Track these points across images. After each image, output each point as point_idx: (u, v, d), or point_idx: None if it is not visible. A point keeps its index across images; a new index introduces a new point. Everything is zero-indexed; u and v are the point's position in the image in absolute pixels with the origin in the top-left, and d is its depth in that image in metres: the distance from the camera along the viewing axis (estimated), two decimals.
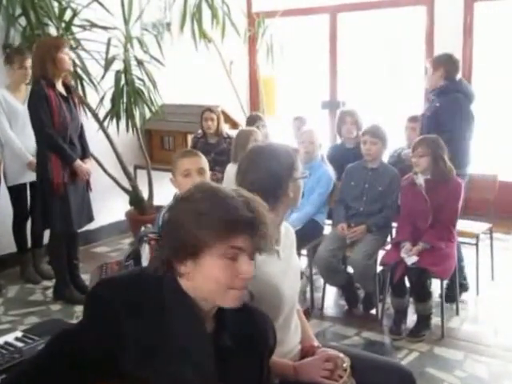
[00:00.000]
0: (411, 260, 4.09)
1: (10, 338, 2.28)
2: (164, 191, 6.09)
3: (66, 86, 4.68)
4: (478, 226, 4.99)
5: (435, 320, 4.29)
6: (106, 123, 5.68)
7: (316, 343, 2.39)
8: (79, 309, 4.64)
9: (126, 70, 5.59)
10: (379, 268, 4.45)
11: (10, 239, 5.30)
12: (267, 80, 8.11)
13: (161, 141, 6.86)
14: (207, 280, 1.59)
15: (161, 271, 1.63)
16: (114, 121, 5.65)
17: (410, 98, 7.68)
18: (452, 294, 4.49)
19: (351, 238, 4.50)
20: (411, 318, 4.33)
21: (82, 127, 4.81)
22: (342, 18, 7.91)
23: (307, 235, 4.47)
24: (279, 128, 7.29)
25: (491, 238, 5.14)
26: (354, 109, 5.54)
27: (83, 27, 5.48)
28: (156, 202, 6.16)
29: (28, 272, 5.33)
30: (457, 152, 4.48)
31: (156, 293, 1.61)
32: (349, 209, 4.67)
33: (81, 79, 5.45)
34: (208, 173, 3.44)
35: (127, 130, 5.70)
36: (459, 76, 4.85)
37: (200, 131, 6.07)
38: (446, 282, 4.32)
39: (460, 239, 4.70)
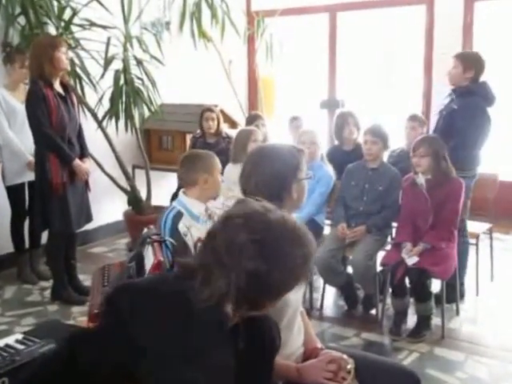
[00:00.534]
0: (412, 260, 4.07)
1: (10, 340, 2.26)
2: (162, 191, 6.12)
3: (63, 85, 4.65)
4: (478, 226, 4.97)
5: (435, 320, 4.29)
6: (104, 123, 5.65)
7: (319, 345, 2.37)
8: (76, 309, 4.63)
9: (126, 69, 5.56)
10: (379, 268, 4.43)
11: (8, 239, 5.27)
12: (266, 80, 8.10)
13: (159, 141, 6.84)
14: None
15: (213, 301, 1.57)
16: (113, 120, 5.62)
17: (408, 97, 7.67)
18: (452, 295, 4.47)
19: (351, 239, 4.49)
20: (411, 319, 4.31)
21: (80, 127, 4.79)
22: (341, 17, 7.91)
23: None
24: (278, 128, 7.26)
25: (491, 238, 5.13)
26: (352, 110, 5.53)
27: (82, 26, 5.45)
28: (154, 202, 6.14)
29: (25, 273, 5.30)
30: (467, 156, 4.51)
31: (176, 301, 1.59)
32: (349, 209, 4.65)
33: (80, 78, 5.42)
34: None
35: (126, 129, 5.68)
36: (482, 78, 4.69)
37: (199, 131, 6.05)
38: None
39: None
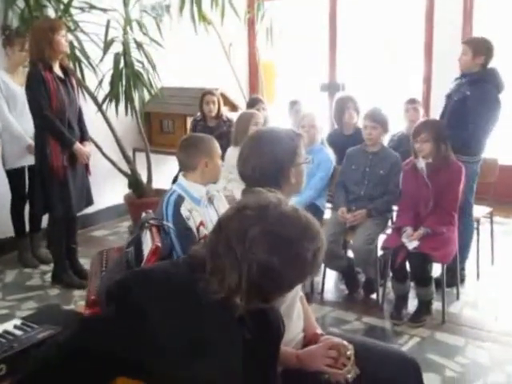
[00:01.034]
0: (412, 245, 4.06)
1: (8, 326, 2.24)
2: (163, 174, 6.10)
3: (63, 68, 4.62)
4: (479, 210, 4.96)
5: (436, 305, 4.29)
6: (104, 106, 5.62)
7: (319, 331, 2.36)
8: (78, 293, 4.63)
9: (125, 52, 5.52)
10: (380, 252, 4.42)
11: (8, 223, 5.26)
12: (266, 63, 8.05)
13: (160, 124, 6.81)
14: None
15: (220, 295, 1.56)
16: (113, 104, 5.58)
17: (409, 80, 7.63)
18: (453, 279, 4.47)
19: (351, 223, 4.47)
20: (412, 303, 4.31)
21: (80, 110, 4.77)
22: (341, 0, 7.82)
23: None
24: (278, 111, 7.22)
25: (491, 222, 5.12)
26: (352, 94, 5.51)
27: (82, 9, 5.40)
28: (155, 185, 6.12)
29: (26, 257, 5.29)
30: (477, 143, 4.51)
31: (187, 292, 1.58)
32: (349, 193, 4.63)
33: (79, 61, 5.38)
34: None
35: (126, 113, 5.64)
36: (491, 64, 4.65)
37: (199, 114, 6.02)
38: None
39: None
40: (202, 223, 2.99)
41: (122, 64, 5.52)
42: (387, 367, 2.27)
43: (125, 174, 6.02)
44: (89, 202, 4.89)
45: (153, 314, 1.55)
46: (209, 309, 1.57)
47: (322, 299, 4.62)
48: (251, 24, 7.91)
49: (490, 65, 4.59)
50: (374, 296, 4.56)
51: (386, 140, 4.86)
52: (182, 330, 1.56)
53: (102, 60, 5.44)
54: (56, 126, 4.45)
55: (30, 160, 4.94)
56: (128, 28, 5.60)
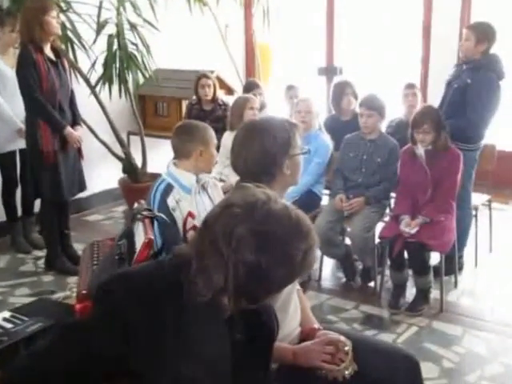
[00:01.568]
0: (412, 230, 4.01)
1: None
2: (158, 158, 6.02)
3: (54, 50, 4.53)
4: (477, 198, 4.91)
5: (434, 293, 4.24)
6: (98, 89, 5.52)
7: (316, 325, 2.31)
8: (72, 280, 4.54)
9: (119, 34, 5.42)
10: (377, 240, 4.38)
11: (0, 208, 5.19)
12: (263, 46, 7.95)
13: (154, 107, 6.73)
14: None
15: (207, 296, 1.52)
16: (107, 86, 5.49)
17: (407, 63, 7.56)
18: (451, 267, 4.42)
19: (348, 211, 4.41)
20: (410, 292, 4.27)
21: (72, 93, 4.67)
22: None
23: (305, 206, 4.29)
24: (275, 95, 7.12)
25: (490, 209, 5.07)
26: (349, 79, 5.44)
27: None
28: (150, 169, 6.05)
29: (18, 241, 5.22)
30: (476, 130, 4.45)
31: (173, 293, 1.53)
32: (347, 180, 4.57)
33: (71, 43, 5.27)
34: None
35: (120, 95, 5.55)
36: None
37: (194, 97, 5.93)
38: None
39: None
40: (190, 214, 2.92)
41: (115, 46, 5.43)
42: (385, 364, 2.22)
43: (119, 157, 5.94)
44: (81, 187, 4.81)
45: (138, 317, 1.50)
46: (195, 310, 1.53)
47: (319, 287, 4.57)
48: (247, 5, 7.79)
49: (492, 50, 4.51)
50: (371, 284, 4.53)
51: (383, 126, 4.78)
52: (168, 331, 1.52)
53: (94, 42, 5.34)
54: (46, 109, 4.36)
55: (21, 144, 4.85)
56: (121, 9, 5.48)
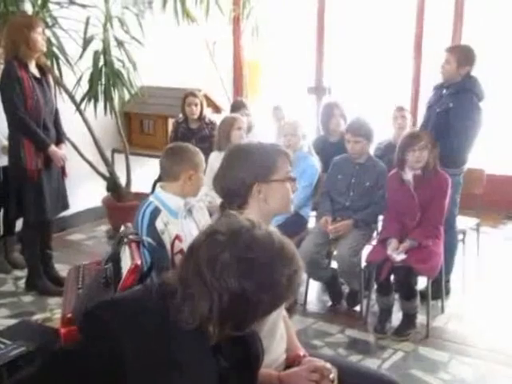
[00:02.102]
0: (399, 257, 3.98)
1: None
2: (142, 177, 5.96)
3: (39, 67, 4.47)
4: (465, 222, 4.90)
5: (420, 318, 4.20)
6: (82, 105, 5.46)
7: (302, 352, 2.30)
8: (53, 301, 4.48)
9: (105, 50, 5.37)
10: (364, 264, 4.33)
11: None
12: (252, 63, 7.93)
13: (140, 124, 6.67)
14: None
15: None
16: (92, 103, 5.43)
17: (398, 84, 7.56)
18: (438, 292, 4.38)
19: (334, 234, 4.37)
20: (396, 316, 4.23)
21: (56, 111, 4.62)
22: (330, 0, 7.71)
23: (291, 229, 4.29)
24: (264, 113, 7.09)
25: (478, 233, 5.05)
26: (338, 100, 5.42)
27: (60, 4, 5.24)
28: (134, 188, 5.99)
29: None
30: (459, 154, 4.43)
31: (159, 321, 1.54)
32: (335, 203, 4.53)
33: (57, 59, 5.21)
34: None
35: (105, 112, 5.49)
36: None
37: (181, 116, 5.89)
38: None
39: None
40: (177, 237, 2.90)
41: (101, 62, 5.38)
42: None
43: (103, 176, 5.88)
44: (64, 206, 4.74)
45: (125, 345, 1.50)
46: (182, 337, 1.54)
47: (304, 310, 4.51)
48: (236, 22, 7.78)
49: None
50: (357, 308, 4.48)
51: (372, 148, 4.76)
52: (155, 359, 1.51)
53: (80, 57, 5.28)
54: (30, 127, 4.30)
55: (3, 161, 4.77)
56: (109, 25, 5.44)
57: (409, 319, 4.13)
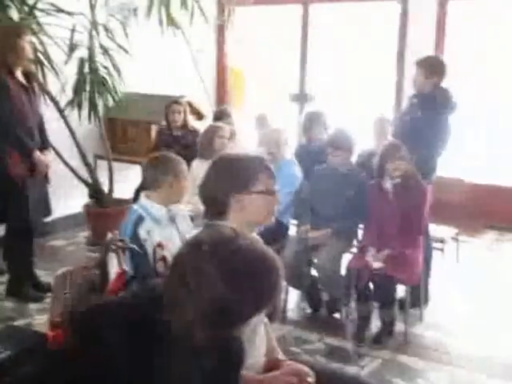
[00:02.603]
0: (377, 264, 4.03)
1: None
2: (125, 183, 5.96)
3: (25, 74, 4.49)
4: (444, 231, 4.97)
5: (399, 326, 4.25)
6: (66, 112, 5.47)
7: (281, 356, 2.37)
8: (34, 307, 4.50)
9: (91, 57, 5.40)
10: (344, 272, 4.37)
11: None
12: (236, 71, 7.98)
13: (123, 131, 6.67)
14: None
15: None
16: (76, 109, 5.44)
17: (380, 93, 7.64)
18: (416, 300, 4.44)
19: (313, 241, 4.40)
20: (375, 324, 4.28)
21: (41, 118, 4.63)
22: (314, 10, 7.80)
23: (272, 236, 4.32)
24: (246, 121, 7.14)
25: (457, 242, 5.11)
26: (320, 109, 5.47)
27: (47, 12, 5.25)
28: (116, 194, 6.00)
29: None
30: (427, 163, 4.48)
31: (147, 324, 1.61)
32: (315, 211, 4.56)
33: (42, 65, 5.23)
34: None
35: (89, 119, 5.52)
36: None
37: (164, 122, 5.92)
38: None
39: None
40: (159, 244, 2.96)
41: (86, 69, 5.40)
42: None
43: (85, 182, 5.88)
44: (47, 212, 4.76)
45: (114, 347, 1.58)
46: (169, 341, 1.60)
47: (284, 318, 4.51)
48: (221, 30, 7.83)
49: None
50: (337, 316, 4.53)
51: (354, 156, 4.81)
52: (143, 361, 1.59)
53: (66, 63, 5.31)
54: (16, 133, 4.32)
55: None
56: (94, 32, 5.47)
57: (387, 327, 4.19)
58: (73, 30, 5.27)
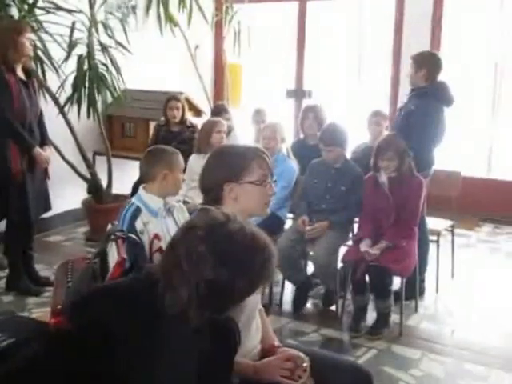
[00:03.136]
0: (373, 251, 4.08)
1: None
2: (124, 179, 6.02)
3: (25, 70, 4.54)
4: (440, 223, 5.01)
5: (394, 317, 4.30)
6: (66, 108, 5.52)
7: (276, 343, 2.40)
8: (32, 301, 4.55)
9: (90, 54, 5.44)
10: (340, 264, 4.43)
11: None
12: (233, 67, 8.02)
13: (122, 127, 6.72)
14: None
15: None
16: (75, 106, 5.49)
17: (376, 88, 7.68)
18: (412, 292, 4.49)
19: (310, 235, 4.44)
20: (371, 315, 4.33)
21: (41, 114, 4.68)
22: (311, 6, 7.84)
23: (268, 230, 4.36)
24: (245, 116, 7.19)
25: (453, 234, 5.16)
26: (317, 104, 5.50)
27: (46, 10, 5.31)
28: (115, 190, 6.05)
29: None
30: (422, 156, 4.49)
31: (145, 307, 1.68)
32: (311, 205, 4.61)
33: (41, 62, 5.28)
34: None
35: (88, 116, 5.55)
36: (440, 77, 4.68)
37: (163, 119, 5.97)
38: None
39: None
40: (156, 236, 2.99)
41: (85, 66, 5.44)
42: (340, 378, 2.31)
43: (84, 178, 5.93)
44: (47, 207, 4.80)
45: (115, 328, 1.64)
46: (167, 322, 1.66)
47: (280, 310, 4.58)
48: (219, 27, 7.87)
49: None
50: (333, 308, 4.57)
51: (349, 152, 4.85)
52: (141, 341, 1.66)
53: (65, 60, 5.35)
54: (16, 129, 4.37)
55: None
56: (93, 30, 5.52)
57: (382, 318, 4.23)
58: (72, 28, 5.31)
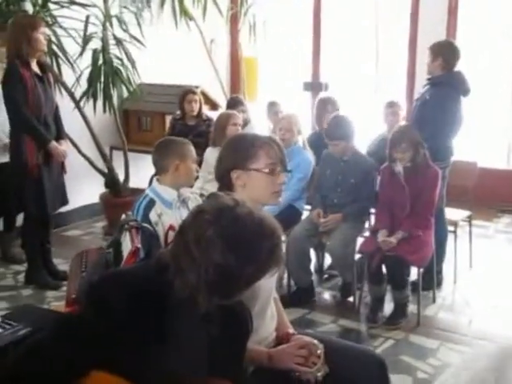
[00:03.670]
0: (391, 239, 4.07)
1: None
2: (141, 173, 6.03)
3: (40, 65, 4.56)
4: (457, 214, 4.98)
5: (411, 308, 4.29)
6: (82, 103, 5.54)
7: (291, 330, 2.41)
8: (51, 294, 4.59)
9: (104, 48, 5.45)
10: (357, 256, 4.42)
11: None
12: (249, 60, 8.00)
13: (138, 121, 6.73)
14: None
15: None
16: (90, 100, 5.51)
17: (393, 79, 7.64)
18: (429, 282, 4.47)
19: (324, 227, 4.44)
20: (388, 306, 4.32)
21: (57, 108, 4.70)
22: None
23: (285, 221, 4.35)
24: (260, 109, 7.17)
25: (470, 225, 5.13)
26: (332, 96, 5.48)
27: (60, 4, 5.33)
28: (132, 184, 6.07)
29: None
30: (439, 146, 4.46)
31: (155, 292, 1.68)
32: (325, 198, 4.61)
33: (56, 57, 5.31)
34: None
35: (104, 110, 5.56)
36: (458, 67, 4.64)
37: (179, 112, 5.97)
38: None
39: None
40: (171, 227, 2.99)
41: (100, 61, 5.46)
42: (354, 365, 2.31)
43: (101, 172, 5.95)
44: (64, 201, 4.83)
45: (125, 311, 1.64)
46: (176, 306, 1.66)
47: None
48: (234, 20, 7.86)
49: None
50: (350, 299, 4.56)
51: (365, 144, 4.82)
52: (151, 327, 1.66)
53: (81, 54, 5.37)
54: (32, 123, 4.39)
55: (4, 158, 4.85)
56: (108, 24, 5.53)
57: (400, 309, 4.22)
58: (86, 22, 5.32)
